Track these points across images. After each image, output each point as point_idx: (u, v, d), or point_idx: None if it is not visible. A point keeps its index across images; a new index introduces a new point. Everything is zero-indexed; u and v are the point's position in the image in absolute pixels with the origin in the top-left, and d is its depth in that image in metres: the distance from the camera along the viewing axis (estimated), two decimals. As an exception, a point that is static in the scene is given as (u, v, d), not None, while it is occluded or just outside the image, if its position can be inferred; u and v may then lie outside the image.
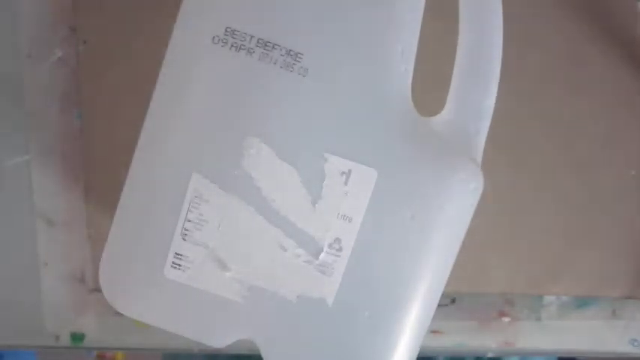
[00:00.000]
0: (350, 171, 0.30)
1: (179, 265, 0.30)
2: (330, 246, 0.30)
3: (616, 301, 0.43)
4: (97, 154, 0.42)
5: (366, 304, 0.31)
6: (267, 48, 0.29)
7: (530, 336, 0.43)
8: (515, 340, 0.43)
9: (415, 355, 0.32)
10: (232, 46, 0.29)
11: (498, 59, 0.31)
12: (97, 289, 0.42)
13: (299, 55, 0.29)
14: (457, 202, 0.30)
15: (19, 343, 0.44)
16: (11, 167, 0.42)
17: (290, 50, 0.29)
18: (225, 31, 0.29)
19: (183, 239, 0.30)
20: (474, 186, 0.30)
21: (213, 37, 0.29)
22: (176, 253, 0.30)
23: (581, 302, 0.43)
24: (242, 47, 0.29)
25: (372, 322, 0.31)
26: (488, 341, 0.43)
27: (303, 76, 0.29)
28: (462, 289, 0.42)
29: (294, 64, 0.29)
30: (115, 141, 0.41)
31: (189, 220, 0.30)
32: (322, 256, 0.30)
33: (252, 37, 0.29)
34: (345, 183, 0.30)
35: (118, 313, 0.32)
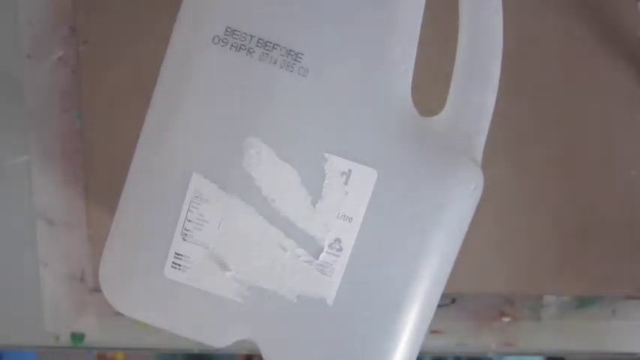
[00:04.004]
0: (350, 171, 0.30)
1: (179, 265, 0.30)
2: (330, 246, 0.30)
3: (616, 301, 0.43)
4: (97, 154, 0.42)
5: (366, 304, 0.31)
6: (267, 48, 0.29)
7: (530, 336, 0.43)
8: (515, 340, 0.43)
9: (415, 355, 0.32)
10: (232, 46, 0.29)
11: (498, 59, 0.31)
12: (97, 289, 0.42)
13: (299, 55, 0.29)
14: (457, 202, 0.30)
15: (19, 343, 0.44)
16: (11, 167, 0.42)
17: (290, 50, 0.29)
18: (226, 31, 0.29)
19: (184, 239, 0.30)
20: (474, 186, 0.30)
21: (214, 37, 0.29)
22: (176, 253, 0.30)
23: (581, 302, 0.43)
24: (242, 47, 0.29)
25: (372, 322, 0.31)
26: (488, 341, 0.43)
27: (303, 76, 0.29)
28: (462, 289, 0.42)
29: (294, 64, 0.29)
30: (115, 141, 0.41)
31: (190, 220, 0.30)
32: (322, 256, 0.30)
33: (252, 37, 0.29)
34: (345, 183, 0.30)
35: (118, 313, 0.32)
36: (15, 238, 0.43)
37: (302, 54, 0.29)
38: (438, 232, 0.30)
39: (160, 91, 0.30)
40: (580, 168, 0.41)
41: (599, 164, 0.42)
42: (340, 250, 0.30)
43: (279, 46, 0.29)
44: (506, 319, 0.43)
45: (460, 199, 0.30)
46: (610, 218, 0.42)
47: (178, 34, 0.30)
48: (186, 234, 0.30)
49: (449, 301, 0.43)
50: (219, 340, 0.31)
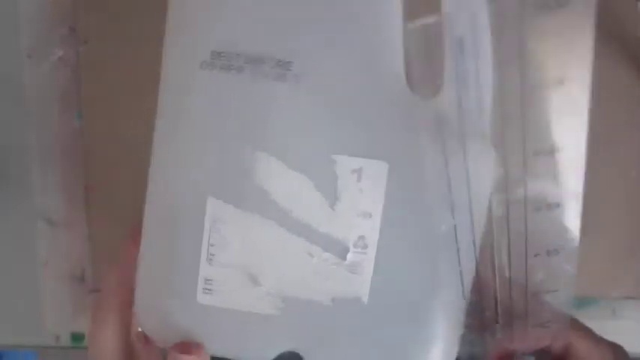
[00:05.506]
0: (361, 168, 0.30)
1: (210, 289, 0.30)
2: (355, 245, 0.30)
3: (616, 301, 0.43)
4: (97, 154, 0.41)
5: (400, 296, 0.30)
6: (256, 63, 0.29)
7: (530, 335, 0.43)
8: (516, 339, 0.43)
9: (456, 347, 0.31)
10: (221, 68, 0.29)
11: (487, 34, 0.30)
12: (97, 289, 0.42)
13: (289, 64, 0.29)
14: (472, 181, 0.30)
15: (19, 343, 0.44)
16: (11, 167, 0.42)
17: (279, 60, 0.29)
18: (212, 55, 0.29)
19: (210, 264, 0.30)
20: (484, 160, 0.30)
21: (201, 63, 0.29)
22: (205, 279, 0.30)
23: (581, 302, 0.43)
24: (231, 67, 0.29)
25: (408, 313, 0.31)
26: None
27: (297, 82, 0.29)
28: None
29: (285, 73, 0.29)
30: (115, 141, 0.41)
31: (213, 245, 0.30)
32: (349, 256, 0.30)
33: (238, 55, 0.29)
34: (358, 180, 0.30)
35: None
36: (15, 238, 0.42)
37: (291, 62, 0.29)
38: (458, 216, 0.30)
39: (161, 120, 0.30)
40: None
41: (599, 164, 0.42)
42: (366, 247, 0.30)
43: (267, 59, 0.29)
44: (506, 319, 0.43)
45: (474, 176, 0.30)
46: (609, 219, 0.42)
47: (168, 63, 0.30)
48: (211, 258, 0.30)
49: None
50: (262, 355, 0.31)
